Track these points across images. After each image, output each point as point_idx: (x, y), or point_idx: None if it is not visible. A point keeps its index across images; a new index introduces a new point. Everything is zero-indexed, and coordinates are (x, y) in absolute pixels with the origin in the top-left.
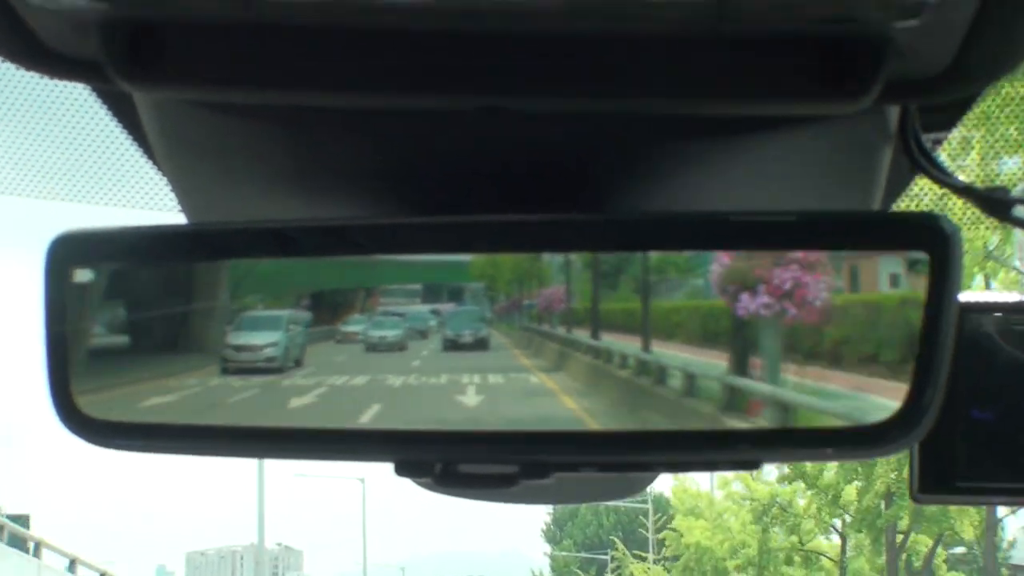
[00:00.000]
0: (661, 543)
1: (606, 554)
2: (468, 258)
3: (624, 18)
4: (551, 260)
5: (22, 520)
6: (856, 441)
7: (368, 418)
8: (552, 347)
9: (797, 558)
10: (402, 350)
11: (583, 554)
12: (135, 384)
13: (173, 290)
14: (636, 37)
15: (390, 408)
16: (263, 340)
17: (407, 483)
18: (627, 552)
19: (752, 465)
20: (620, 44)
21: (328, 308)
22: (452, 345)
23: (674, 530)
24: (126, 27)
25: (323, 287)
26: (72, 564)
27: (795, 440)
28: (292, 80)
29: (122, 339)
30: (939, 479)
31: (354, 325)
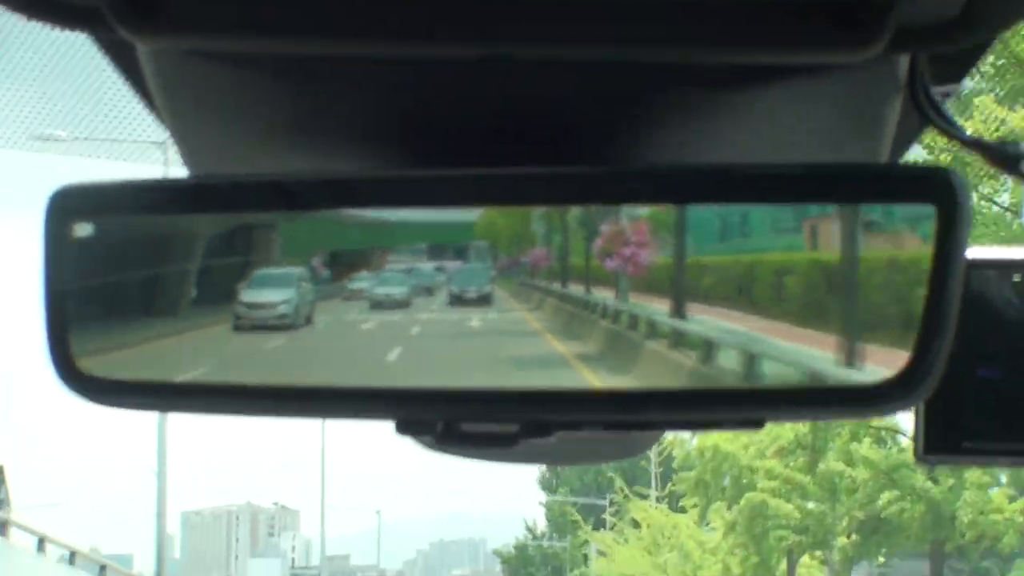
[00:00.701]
0: (666, 477)
1: (605, 499)
2: (473, 218)
3: None
4: (536, 227)
5: None
6: (860, 400)
7: (416, 331)
8: (536, 295)
9: (866, 437)
10: (406, 307)
11: (580, 499)
12: (140, 343)
13: (216, 247)
14: None
15: (424, 331)
16: (277, 297)
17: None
18: (627, 492)
19: (755, 424)
20: None
21: (343, 266)
22: (457, 300)
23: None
24: None
25: (331, 247)
26: None
27: (799, 399)
28: (293, 28)
29: (126, 295)
30: (945, 439)
31: (360, 282)
